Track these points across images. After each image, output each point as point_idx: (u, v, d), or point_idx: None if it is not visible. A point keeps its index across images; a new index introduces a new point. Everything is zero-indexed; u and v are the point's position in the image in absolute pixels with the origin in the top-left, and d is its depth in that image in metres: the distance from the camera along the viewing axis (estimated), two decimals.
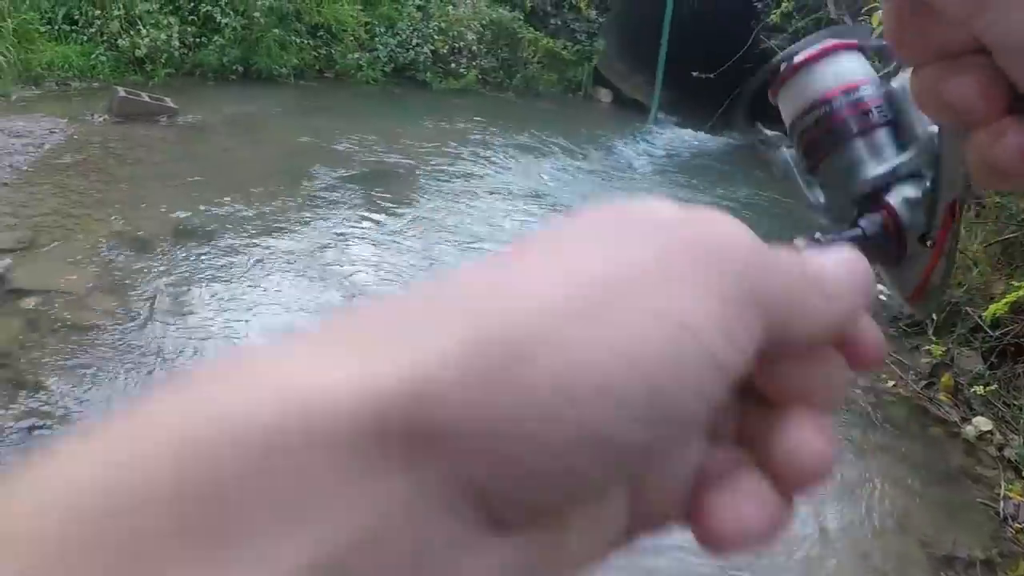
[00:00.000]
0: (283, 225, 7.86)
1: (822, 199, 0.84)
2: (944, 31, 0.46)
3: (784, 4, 11.45)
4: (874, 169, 0.77)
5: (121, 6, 11.93)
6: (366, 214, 8.39)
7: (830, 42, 0.82)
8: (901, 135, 0.78)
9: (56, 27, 11.70)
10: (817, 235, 0.75)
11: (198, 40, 12.65)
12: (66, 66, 11.39)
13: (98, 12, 11.86)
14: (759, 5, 12.10)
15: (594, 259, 0.33)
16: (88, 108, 10.35)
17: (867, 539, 4.78)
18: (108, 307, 5.97)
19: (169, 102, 10.58)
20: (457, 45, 15.14)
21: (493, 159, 11.24)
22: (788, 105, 0.85)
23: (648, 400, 0.31)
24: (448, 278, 0.34)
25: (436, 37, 14.97)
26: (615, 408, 0.30)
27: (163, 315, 6.02)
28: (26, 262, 6.39)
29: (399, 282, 7.03)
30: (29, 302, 5.88)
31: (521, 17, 16.14)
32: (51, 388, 5.04)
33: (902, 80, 0.78)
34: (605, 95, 16.89)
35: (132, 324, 5.83)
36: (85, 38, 11.81)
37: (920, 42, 0.49)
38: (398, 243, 7.79)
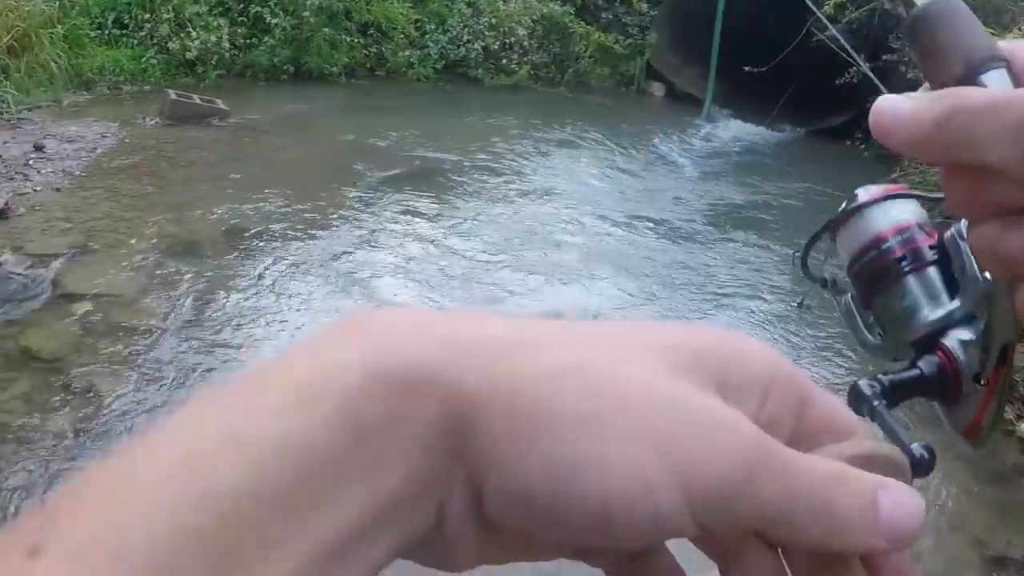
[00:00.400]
0: (330, 225, 7.83)
1: (877, 339, 0.87)
2: (1003, 190, 0.49)
3: None
4: (932, 313, 0.79)
5: (171, 9, 11.95)
6: (407, 218, 8.30)
7: (887, 189, 0.86)
8: (952, 276, 0.80)
9: (106, 32, 11.74)
10: (879, 376, 0.74)
11: (248, 41, 12.64)
12: (117, 70, 11.41)
13: (148, 16, 11.88)
14: None
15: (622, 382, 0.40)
16: (140, 111, 10.36)
17: (918, 538, 4.61)
18: (160, 310, 5.92)
19: (220, 103, 10.56)
20: (508, 41, 15.02)
21: (541, 157, 11.12)
22: (845, 246, 0.88)
23: (605, 522, 0.38)
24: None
25: (487, 33, 14.87)
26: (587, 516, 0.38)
27: (213, 317, 5.98)
28: (78, 266, 6.37)
29: (432, 290, 6.95)
30: (81, 306, 5.85)
31: (572, 11, 16.00)
32: (103, 392, 4.99)
33: (956, 226, 0.80)
34: (658, 89, 16.69)
35: (183, 327, 5.77)
36: (135, 42, 11.83)
37: (978, 200, 0.51)
38: (437, 248, 7.69)
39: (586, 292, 7.20)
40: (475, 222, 8.36)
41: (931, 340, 0.78)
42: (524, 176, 10.20)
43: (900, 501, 0.41)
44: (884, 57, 10.49)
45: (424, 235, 7.88)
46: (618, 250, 8.23)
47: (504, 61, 15.06)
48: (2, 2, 10.03)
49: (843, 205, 0.87)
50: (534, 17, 15.31)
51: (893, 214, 0.85)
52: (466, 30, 14.87)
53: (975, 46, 0.61)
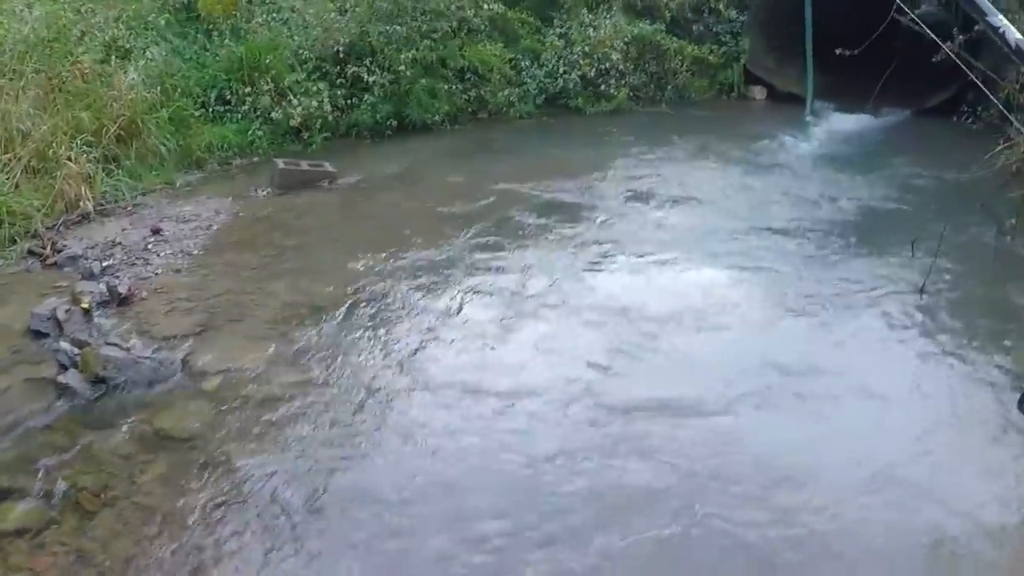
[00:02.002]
0: (451, 274, 7.77)
1: None
2: None
3: None
4: None
5: (270, 80, 12.06)
6: (507, 273, 8.21)
7: None
8: None
9: (210, 109, 11.89)
10: None
11: (349, 102, 12.71)
12: (225, 146, 11.55)
13: (248, 89, 12.02)
14: None
15: None
16: (251, 183, 10.47)
17: None
18: (289, 380, 5.90)
19: (328, 166, 10.63)
20: (603, 66, 14.88)
21: (651, 180, 10.99)
22: None
23: None
24: None
25: (582, 62, 14.77)
26: None
27: (342, 381, 5.93)
28: (204, 344, 6.40)
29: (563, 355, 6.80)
30: (212, 383, 5.87)
31: (663, 28, 15.90)
32: (239, 467, 4.95)
33: None
34: (759, 92, 16.50)
35: (313, 395, 5.72)
36: (239, 116, 11.96)
37: None
38: (550, 301, 7.59)
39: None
40: (577, 277, 8.17)
41: None
42: (637, 203, 10.10)
43: None
44: (977, 27, 10.06)
45: (562, 263, 7.81)
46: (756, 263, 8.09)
47: (602, 87, 14.94)
48: (106, 93, 10.21)
49: None
50: (626, 39, 15.18)
51: None
52: (561, 62, 14.81)
53: None
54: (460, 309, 7.06)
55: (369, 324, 6.76)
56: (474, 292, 7.38)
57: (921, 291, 7.21)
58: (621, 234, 8.78)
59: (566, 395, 5.70)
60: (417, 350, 6.37)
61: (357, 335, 6.58)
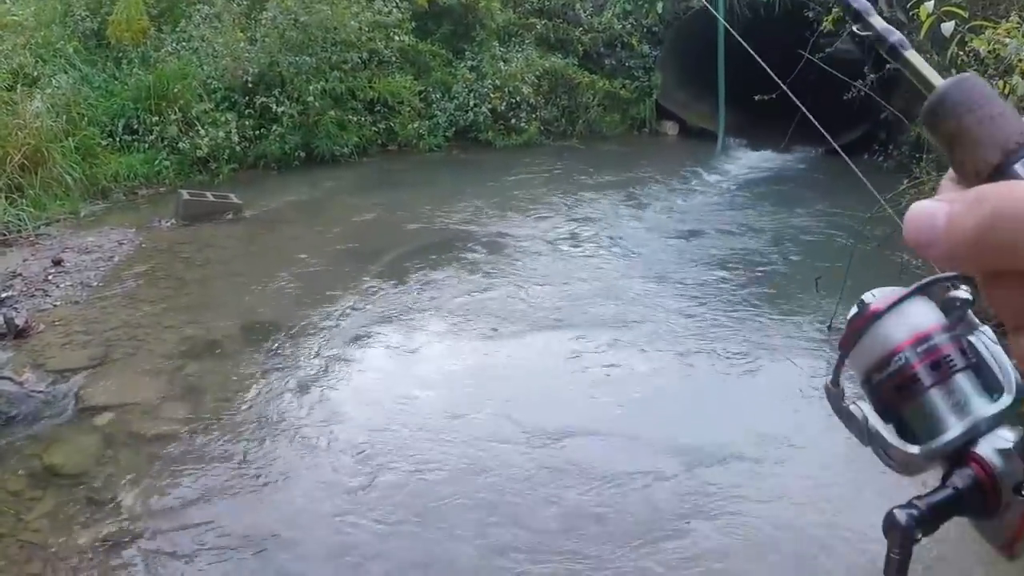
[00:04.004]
0: (346, 311, 7.85)
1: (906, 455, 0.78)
2: None
3: (835, 10, 11.22)
4: (958, 423, 0.74)
5: (177, 110, 12.09)
6: (424, 292, 8.40)
7: (896, 293, 0.80)
8: (986, 380, 0.76)
9: (118, 138, 11.89)
10: (915, 502, 0.71)
11: (257, 132, 12.78)
12: (131, 175, 11.53)
13: (156, 119, 12.02)
14: (810, 14, 11.86)
15: None
16: (156, 214, 10.50)
17: None
18: (180, 415, 5.97)
19: (234, 198, 10.68)
20: (514, 100, 15.08)
21: (558, 211, 11.20)
22: (857, 361, 0.82)
23: None
24: None
25: (492, 95, 14.95)
26: None
27: (231, 417, 5.99)
28: (99, 378, 6.44)
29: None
30: (103, 418, 5.91)
31: (575, 62, 16.16)
32: (125, 504, 5.01)
33: (982, 332, 0.78)
34: (671, 128, 16.76)
35: (203, 430, 5.80)
36: (147, 145, 11.95)
37: (1019, 306, 0.49)
38: (453, 335, 7.74)
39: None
40: (498, 290, 8.37)
41: (963, 451, 0.73)
42: (544, 231, 10.26)
43: None
44: (889, 65, 10.40)
45: (456, 305, 7.95)
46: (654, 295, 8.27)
47: (513, 120, 15.14)
48: (11, 122, 10.20)
49: (853, 310, 0.83)
50: (537, 73, 15.42)
51: (911, 320, 0.79)
52: (471, 95, 14.97)
53: (1008, 130, 0.58)
54: (357, 344, 7.18)
55: (263, 359, 6.85)
56: (368, 334, 7.46)
57: (829, 328, 7.38)
58: (522, 280, 8.92)
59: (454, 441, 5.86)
60: (309, 385, 6.47)
61: (251, 370, 6.67)
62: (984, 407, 0.74)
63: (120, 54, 12.96)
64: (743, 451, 5.63)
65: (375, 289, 8.33)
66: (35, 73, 11.75)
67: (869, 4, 0.80)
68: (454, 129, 14.96)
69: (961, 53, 6.77)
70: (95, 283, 8.28)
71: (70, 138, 10.97)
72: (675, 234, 10.42)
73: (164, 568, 4.52)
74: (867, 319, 0.81)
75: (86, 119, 11.57)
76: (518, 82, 15.13)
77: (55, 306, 7.73)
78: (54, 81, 11.62)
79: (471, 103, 14.97)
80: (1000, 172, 0.57)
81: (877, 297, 0.81)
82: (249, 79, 12.82)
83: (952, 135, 0.60)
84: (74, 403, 6.08)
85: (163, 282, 8.40)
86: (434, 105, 14.93)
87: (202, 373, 6.57)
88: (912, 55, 0.79)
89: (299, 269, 8.73)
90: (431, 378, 6.65)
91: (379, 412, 6.11)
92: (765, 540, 4.81)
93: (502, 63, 15.38)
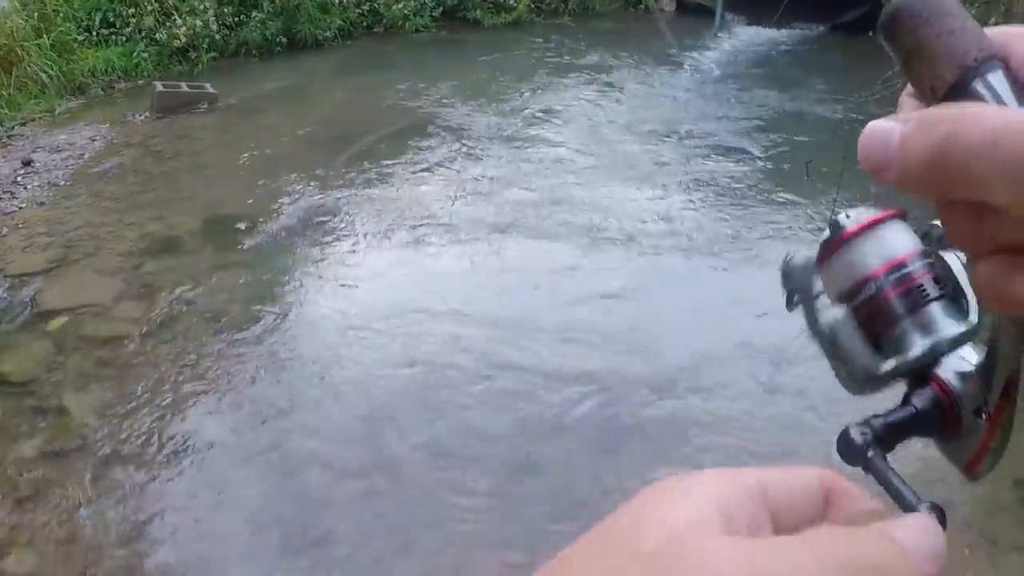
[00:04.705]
0: (313, 200, 7.76)
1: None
2: (1007, 228, 0.46)
3: None
4: (921, 344, 0.71)
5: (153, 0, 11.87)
6: (388, 181, 8.27)
7: (871, 215, 0.75)
8: (958, 307, 0.72)
9: (95, 33, 11.71)
10: (871, 420, 0.68)
11: (237, 19, 12.54)
12: (109, 69, 11.38)
13: (132, 11, 11.82)
14: None
15: None
16: (131, 109, 10.37)
17: None
18: (133, 316, 5.92)
19: (208, 87, 10.53)
20: None
21: (547, 92, 11.00)
22: (831, 285, 0.78)
23: None
24: None
25: None
26: None
27: (186, 318, 5.94)
28: (56, 281, 6.41)
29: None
30: (57, 322, 5.87)
31: None
32: (72, 411, 5.01)
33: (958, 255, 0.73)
34: (668, 4, 16.44)
35: (155, 331, 5.76)
36: (124, 38, 11.77)
37: (980, 237, 0.48)
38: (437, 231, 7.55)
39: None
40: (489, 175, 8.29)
41: (923, 372, 0.71)
42: (534, 125, 9.94)
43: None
44: None
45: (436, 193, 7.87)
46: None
47: None
48: None
49: (825, 234, 0.77)
50: None
51: (885, 246, 0.74)
52: None
53: (967, 45, 0.55)
54: (326, 234, 7.13)
55: (222, 254, 6.81)
56: (333, 228, 7.38)
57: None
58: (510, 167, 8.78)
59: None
60: (265, 281, 6.45)
61: (207, 265, 6.62)
62: (949, 328, 0.71)
63: None
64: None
65: (340, 178, 8.20)
66: None
67: None
68: (441, 8, 14.67)
69: None
70: (62, 183, 8.20)
71: (45, 35, 10.82)
72: (660, 121, 10.16)
73: (109, 476, 4.53)
74: (839, 243, 0.77)
75: (61, 15, 11.38)
76: None
77: (20, 208, 7.67)
78: None
79: None
80: (957, 91, 0.53)
81: (851, 219, 0.76)
82: None
83: (909, 50, 0.56)
84: (29, 308, 6.06)
85: (130, 177, 8.33)
86: None
87: (159, 271, 6.52)
88: None
89: (269, 159, 8.62)
90: (377, 272, 6.62)
91: (331, 311, 6.08)
92: None
93: None
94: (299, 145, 9.08)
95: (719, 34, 14.64)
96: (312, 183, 8.03)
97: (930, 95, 0.54)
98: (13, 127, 9.63)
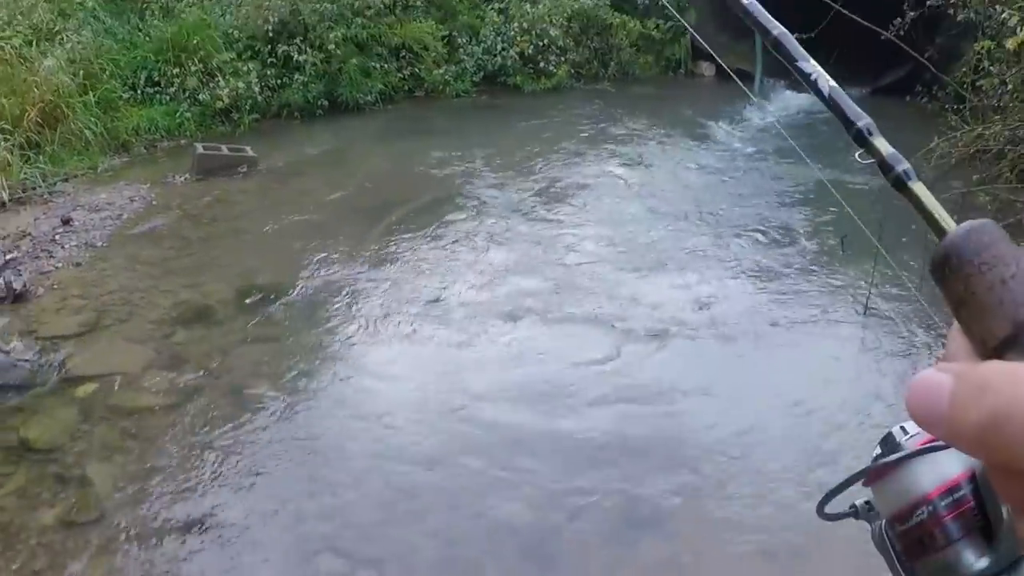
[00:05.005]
0: (350, 272, 7.78)
1: None
2: None
3: None
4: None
5: (198, 60, 12.06)
6: (437, 250, 8.30)
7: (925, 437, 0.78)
8: (990, 534, 0.75)
9: (139, 91, 11.89)
10: None
11: (280, 81, 12.71)
12: (152, 128, 11.54)
13: (176, 70, 11.99)
14: None
15: None
16: (172, 169, 10.49)
17: None
18: (161, 387, 5.93)
19: (249, 151, 10.63)
20: (542, 43, 14.86)
21: (582, 163, 11.00)
22: (883, 501, 0.82)
23: None
24: None
25: (519, 39, 14.75)
26: None
27: (211, 392, 5.95)
28: (87, 346, 6.45)
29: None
30: (85, 389, 5.91)
31: (606, 3, 15.78)
32: (94, 482, 5.03)
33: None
34: (708, 68, 16.38)
35: (183, 401, 5.78)
36: (168, 97, 11.94)
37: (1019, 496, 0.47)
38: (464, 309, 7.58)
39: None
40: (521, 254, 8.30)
41: None
42: (567, 199, 9.89)
43: None
44: (929, 3, 9.96)
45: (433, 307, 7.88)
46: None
47: (542, 64, 14.90)
48: (27, 78, 10.26)
49: (877, 450, 0.80)
50: (566, 15, 15.15)
51: (939, 469, 0.75)
52: (499, 38, 14.78)
53: (1021, 298, 0.51)
54: (354, 313, 7.12)
55: (255, 326, 6.83)
56: (368, 297, 7.39)
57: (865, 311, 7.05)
58: (517, 240, 8.79)
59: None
60: (303, 357, 6.45)
61: (239, 336, 6.65)
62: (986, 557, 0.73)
63: (144, 5, 12.92)
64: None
65: (371, 253, 8.19)
66: (56, 28, 11.75)
67: (874, 125, 0.72)
68: (482, 74, 14.78)
69: None
70: (99, 243, 8.30)
71: (91, 92, 10.99)
72: (691, 200, 10.00)
73: (125, 552, 4.53)
74: (895, 463, 0.79)
75: (107, 72, 11.56)
76: (546, 24, 14.87)
77: (57, 268, 7.75)
78: (75, 36, 11.59)
79: (499, 47, 14.76)
80: (1009, 345, 0.50)
81: (907, 434, 0.79)
82: (270, 27, 12.67)
83: (959, 299, 0.53)
84: (58, 372, 6.10)
85: (167, 241, 8.39)
86: (461, 50, 14.73)
87: (189, 341, 6.55)
88: (919, 188, 0.73)
89: (305, 227, 8.67)
90: (396, 358, 6.57)
91: (352, 393, 6.08)
92: None
93: (529, 5, 15.11)
94: (335, 214, 9.12)
95: (757, 99, 14.58)
96: (344, 257, 8.04)
97: (980, 346, 0.51)
98: (55, 183, 9.75)
